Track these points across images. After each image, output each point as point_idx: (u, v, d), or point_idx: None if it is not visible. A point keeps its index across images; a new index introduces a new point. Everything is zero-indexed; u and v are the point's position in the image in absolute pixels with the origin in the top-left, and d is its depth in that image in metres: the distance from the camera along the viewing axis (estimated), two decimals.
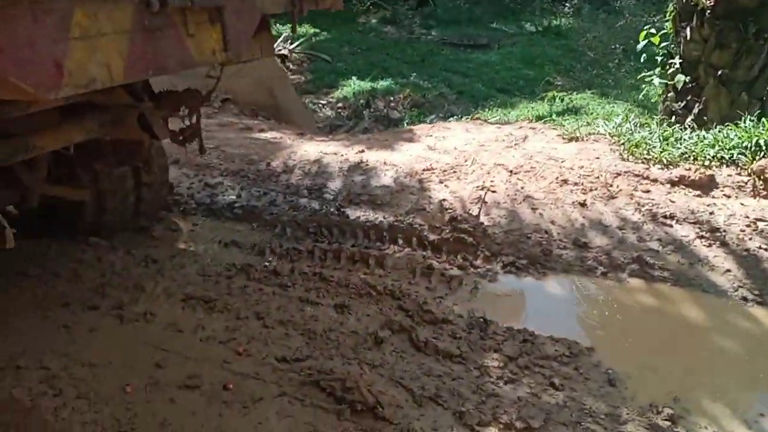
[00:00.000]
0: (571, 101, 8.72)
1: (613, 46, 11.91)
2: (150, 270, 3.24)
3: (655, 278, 3.30)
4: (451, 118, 8.56)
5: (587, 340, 2.83)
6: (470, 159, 4.60)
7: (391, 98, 10.40)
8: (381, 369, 2.49)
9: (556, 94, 8.97)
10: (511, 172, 4.36)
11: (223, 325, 2.72)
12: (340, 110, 10.03)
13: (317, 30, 14.82)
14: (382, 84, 10.80)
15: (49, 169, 3.23)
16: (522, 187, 4.17)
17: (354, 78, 10.97)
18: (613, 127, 4.98)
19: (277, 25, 15.35)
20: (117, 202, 3.59)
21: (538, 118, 6.20)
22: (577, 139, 4.89)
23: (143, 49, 2.12)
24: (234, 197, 4.18)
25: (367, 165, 4.51)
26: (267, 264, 3.29)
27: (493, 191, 4.12)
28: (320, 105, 10.19)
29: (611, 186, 4.08)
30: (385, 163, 4.55)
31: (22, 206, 3.36)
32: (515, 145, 4.88)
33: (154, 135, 2.95)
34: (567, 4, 15.62)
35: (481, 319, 2.89)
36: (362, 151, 4.79)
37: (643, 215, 3.76)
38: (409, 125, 7.64)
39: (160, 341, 2.59)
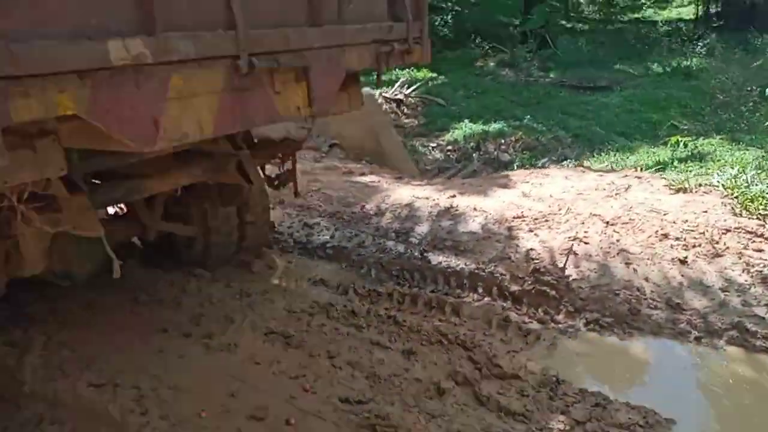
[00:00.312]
0: (696, 147, 8.17)
1: (748, 88, 11.04)
2: (242, 303, 3.50)
3: (756, 348, 3.00)
4: (565, 162, 8.36)
5: (668, 410, 2.63)
6: (565, 208, 4.49)
7: (503, 141, 10.37)
8: (439, 420, 2.49)
9: (680, 138, 8.45)
10: (607, 223, 4.19)
11: (296, 361, 2.87)
12: (449, 153, 10.15)
13: (435, 74, 15.22)
14: (494, 126, 10.79)
15: (165, 207, 3.64)
16: (617, 240, 3.98)
17: (466, 121, 11.07)
18: (728, 178, 4.62)
19: (396, 69, 16.01)
20: (222, 238, 3.93)
21: (658, 164, 5.90)
22: (685, 191, 4.60)
23: (232, 106, 2.37)
24: (328, 237, 4.41)
25: (456, 210, 4.55)
26: (346, 305, 3.42)
27: (586, 243, 3.99)
28: (430, 148, 10.37)
29: (717, 243, 3.78)
30: (475, 209, 4.56)
31: (143, 240, 3.81)
32: (616, 194, 4.68)
33: (249, 180, 3.22)
34: (699, 44, 14.75)
35: (554, 378, 2.80)
36: (454, 197, 4.84)
37: (752, 276, 3.44)
38: (519, 168, 7.58)
39: (238, 372, 2.79)
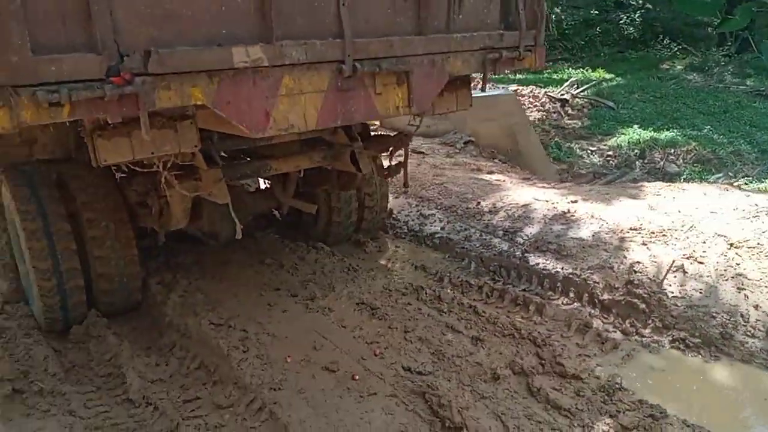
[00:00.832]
0: None
1: None
2: (348, 276, 3.96)
3: None
4: (742, 180, 7.68)
5: None
6: (689, 224, 4.28)
7: (672, 150, 9.72)
8: (486, 401, 2.70)
9: None
10: (731, 245, 3.94)
11: (375, 329, 3.25)
12: (609, 158, 9.78)
13: (611, 75, 14.54)
14: (666, 134, 10.10)
15: (297, 187, 4.22)
16: (737, 264, 3.75)
17: (635, 126, 10.53)
18: None
19: (570, 70, 15.52)
20: (342, 218, 4.44)
21: None
22: None
23: (335, 104, 2.79)
24: (438, 228, 4.71)
25: (572, 215, 4.57)
26: (436, 290, 3.71)
27: (700, 262, 3.81)
28: (589, 151, 10.05)
29: None
30: (592, 215, 4.54)
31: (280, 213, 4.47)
32: (754, 217, 4.34)
33: (360, 169, 3.64)
34: None
35: (616, 385, 2.83)
36: (575, 202, 4.83)
37: None
38: (686, 181, 7.16)
39: (326, 331, 3.25)
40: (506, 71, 3.66)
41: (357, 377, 2.84)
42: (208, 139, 3.08)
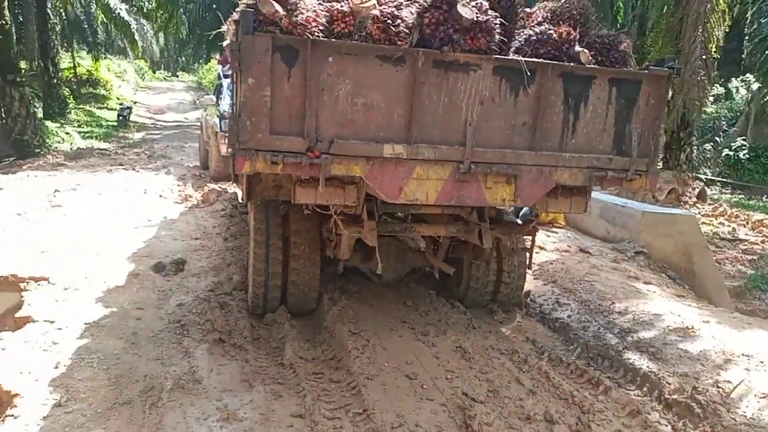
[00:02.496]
0: None
1: None
2: (464, 329, 4.91)
3: None
4: None
5: None
6: None
7: None
8: (510, 430, 3.44)
9: None
10: None
11: (458, 365, 4.17)
12: None
13: None
14: None
15: (446, 253, 5.36)
16: None
17: None
18: None
19: None
20: (479, 285, 5.40)
21: None
22: None
23: (451, 190, 3.94)
24: (564, 316, 5.35)
25: (693, 331, 4.82)
26: (528, 358, 4.44)
27: None
28: None
29: None
30: (713, 336, 4.73)
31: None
32: None
33: (482, 244, 4.64)
34: None
35: None
36: (706, 322, 5.02)
37: None
38: None
39: (421, 355, 4.29)
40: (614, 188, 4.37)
41: (425, 387, 3.82)
42: (373, 201, 4.44)
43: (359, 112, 3.72)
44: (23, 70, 18.27)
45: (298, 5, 3.57)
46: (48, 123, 18.66)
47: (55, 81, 21.40)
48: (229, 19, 4.06)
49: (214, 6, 20.96)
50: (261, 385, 3.97)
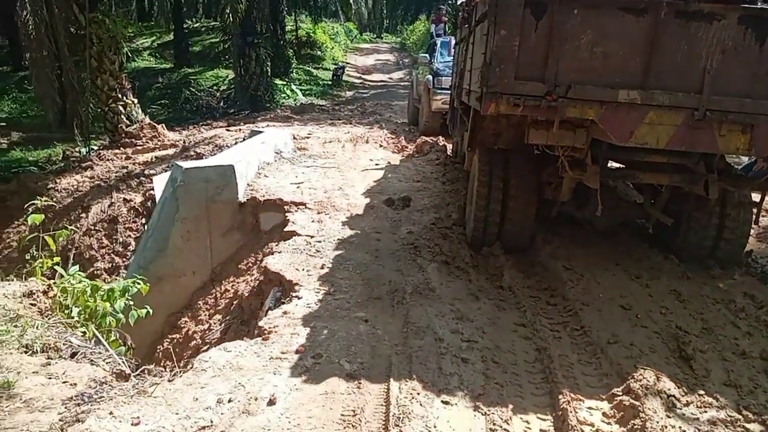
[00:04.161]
0: None
1: None
2: (677, 276, 5.03)
3: None
4: None
5: None
6: None
7: None
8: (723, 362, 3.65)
9: None
10: None
11: (672, 303, 4.39)
12: None
13: None
14: None
15: (665, 204, 5.47)
16: None
17: None
18: None
19: None
20: (698, 239, 5.40)
21: None
22: None
23: (683, 135, 4.13)
24: None
25: None
26: (738, 302, 4.51)
27: None
28: None
29: None
30: None
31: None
32: None
33: (707, 194, 4.69)
34: None
35: None
36: None
37: None
38: None
39: (635, 292, 4.58)
40: None
41: (639, 316, 4.14)
42: (599, 147, 4.74)
43: (597, 59, 4.07)
44: (259, 33, 20.90)
45: None
46: (276, 81, 21.24)
47: (282, 43, 24.08)
48: None
49: None
50: (485, 298, 4.62)
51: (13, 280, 4.72)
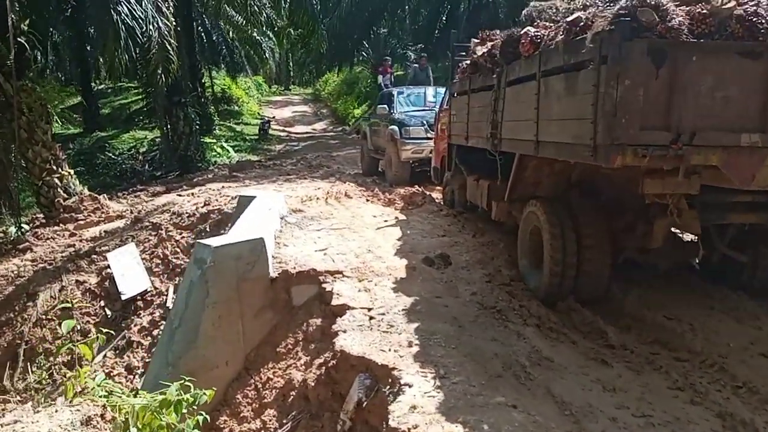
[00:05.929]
0: None
1: None
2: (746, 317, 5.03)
3: None
4: None
5: None
6: None
7: None
8: None
9: None
10: None
11: None
12: None
13: None
14: None
15: (731, 240, 5.49)
16: None
17: None
18: None
19: None
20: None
21: None
22: None
23: None
24: None
25: None
26: None
27: None
28: None
29: None
30: None
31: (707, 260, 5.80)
32: None
33: None
34: None
35: None
36: None
37: None
38: None
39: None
40: None
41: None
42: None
43: (718, 104, 3.99)
44: (184, 91, 19.95)
45: (668, 11, 3.90)
46: (205, 139, 20.28)
47: (203, 100, 23.19)
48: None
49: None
50: (613, 362, 4.30)
51: (54, 403, 3.91)
